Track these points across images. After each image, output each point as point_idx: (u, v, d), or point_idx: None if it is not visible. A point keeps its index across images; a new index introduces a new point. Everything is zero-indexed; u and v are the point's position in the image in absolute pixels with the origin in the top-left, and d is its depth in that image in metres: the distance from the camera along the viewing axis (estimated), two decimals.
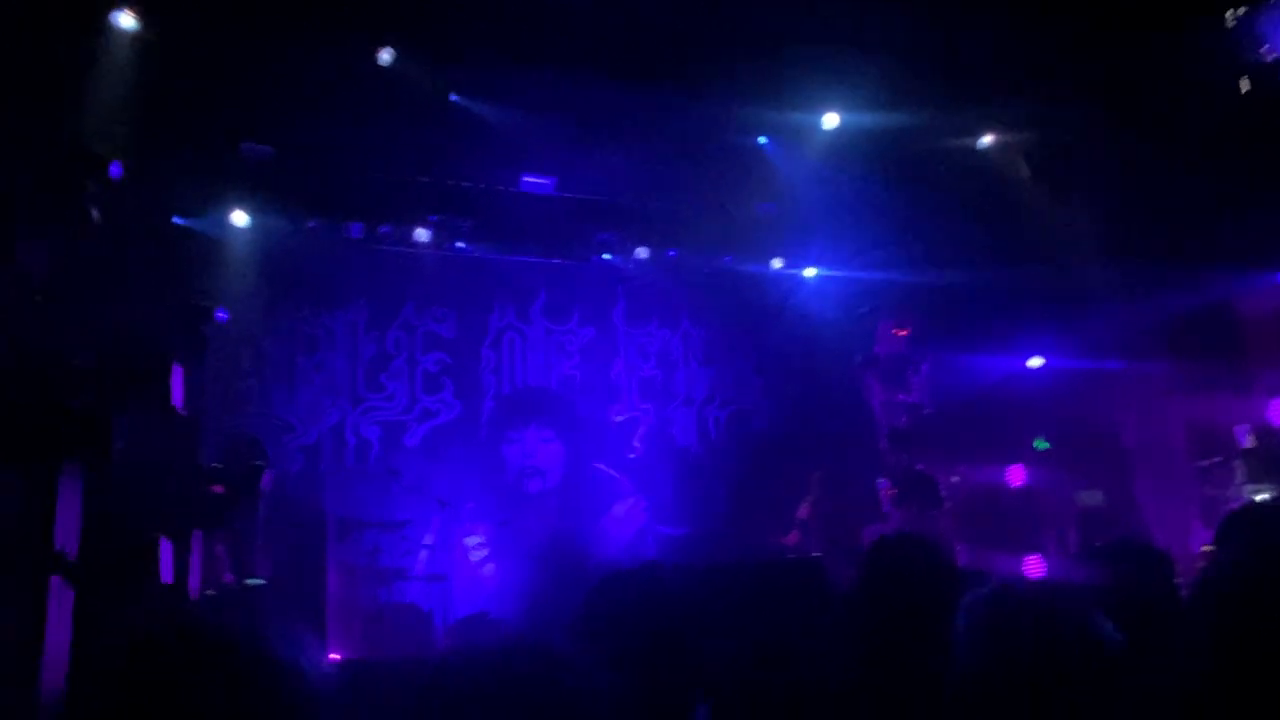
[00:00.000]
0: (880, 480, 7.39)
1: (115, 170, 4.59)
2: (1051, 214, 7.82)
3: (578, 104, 6.91)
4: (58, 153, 4.50)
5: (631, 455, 8.39)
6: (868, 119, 7.40)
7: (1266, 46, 6.69)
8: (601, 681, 1.11)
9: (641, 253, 8.51)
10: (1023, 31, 6.37)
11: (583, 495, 8.03)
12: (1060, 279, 7.85)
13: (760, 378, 8.97)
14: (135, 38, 5.99)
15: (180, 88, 6.15)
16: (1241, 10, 6.60)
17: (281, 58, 6.15)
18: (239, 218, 7.24)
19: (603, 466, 8.15)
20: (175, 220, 6.93)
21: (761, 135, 7.87)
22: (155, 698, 1.02)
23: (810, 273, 8.92)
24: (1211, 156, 6.92)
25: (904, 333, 8.10)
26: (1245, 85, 6.85)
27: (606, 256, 8.52)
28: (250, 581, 5.67)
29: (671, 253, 8.60)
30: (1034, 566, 7.25)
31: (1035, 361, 8.26)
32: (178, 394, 4.57)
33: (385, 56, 6.60)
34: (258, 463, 5.77)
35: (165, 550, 4.45)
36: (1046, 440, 8.06)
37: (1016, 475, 7.96)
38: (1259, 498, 6.41)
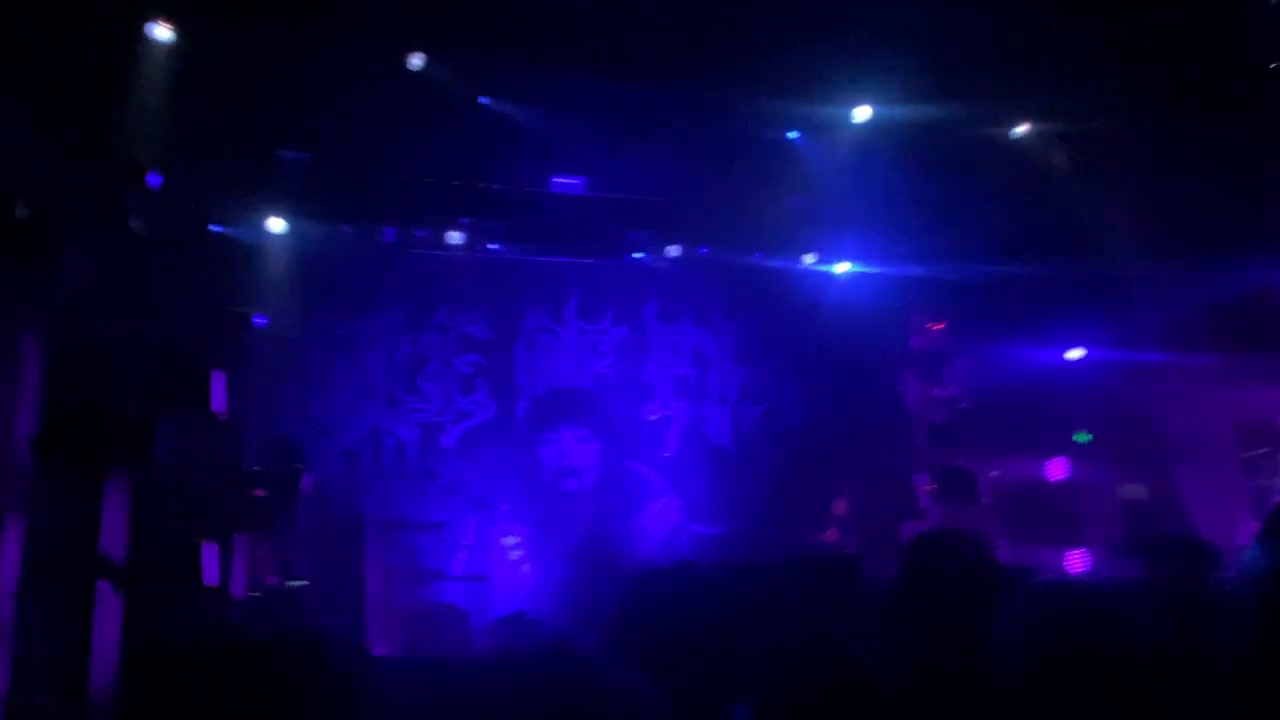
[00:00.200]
0: (918, 476, 7.32)
1: (154, 180, 4.67)
2: (1090, 202, 7.69)
3: (606, 103, 6.91)
4: (99, 164, 4.58)
5: (666, 454, 8.39)
6: (899, 111, 7.33)
7: None
8: (640, 683, 1.11)
9: (673, 251, 8.49)
10: (1057, 15, 6.28)
11: (618, 494, 8.04)
12: (1100, 268, 7.72)
13: (794, 375, 8.91)
14: (171, 49, 6.09)
15: (214, 97, 6.25)
16: None
17: (314, 66, 6.22)
18: (275, 224, 7.34)
19: (638, 466, 8.15)
20: (213, 228, 7.04)
21: (792, 130, 7.82)
22: (203, 701, 1.03)
23: (843, 268, 8.85)
24: (1256, 140, 6.77)
25: (940, 326, 8.01)
26: None
27: (638, 255, 8.51)
28: (292, 583, 5.75)
29: (703, 250, 8.57)
30: (1077, 562, 7.15)
31: (1075, 353, 8.13)
32: (218, 399, 4.64)
33: (416, 61, 6.66)
34: (297, 466, 5.85)
35: (209, 553, 4.52)
36: (1088, 433, 7.94)
37: (1058, 469, 7.85)
38: None
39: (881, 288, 8.61)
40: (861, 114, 7.50)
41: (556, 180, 7.85)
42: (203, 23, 6.06)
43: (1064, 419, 7.94)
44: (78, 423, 3.81)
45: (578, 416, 8.14)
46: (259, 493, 5.28)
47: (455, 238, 7.93)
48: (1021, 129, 7.84)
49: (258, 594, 5.36)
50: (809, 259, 8.80)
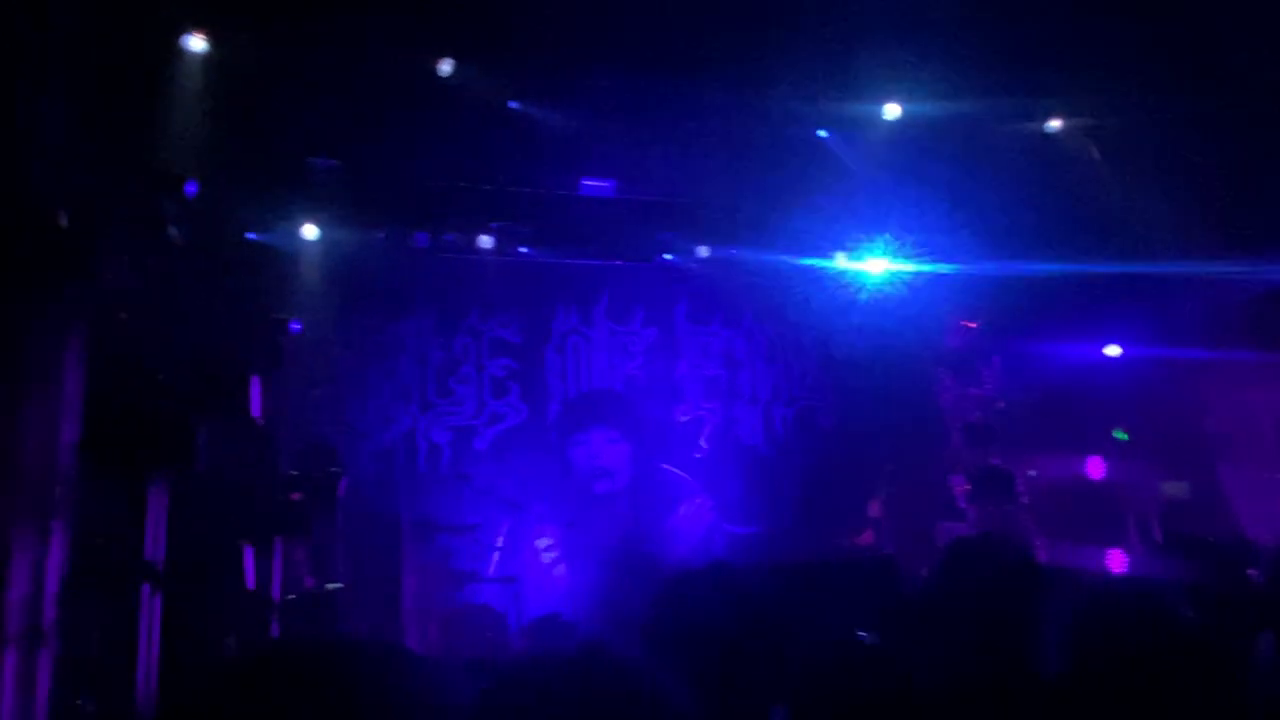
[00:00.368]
0: (954, 476, 7.25)
1: (191, 189, 4.74)
2: (1127, 197, 7.57)
3: (635, 105, 6.92)
4: (138, 173, 4.66)
5: (697, 455, 8.38)
6: (930, 107, 7.26)
7: None
8: (679, 689, 1.11)
9: (702, 251, 8.48)
10: (1089, 7, 6.19)
11: (650, 496, 8.04)
12: (1138, 264, 7.60)
13: (826, 374, 8.86)
14: (205, 59, 6.18)
15: (248, 107, 6.33)
16: None
17: (345, 74, 6.29)
18: (309, 231, 7.43)
19: (670, 467, 8.15)
20: (249, 236, 7.13)
21: (822, 128, 7.78)
22: (246, 708, 1.04)
23: (875, 266, 8.79)
24: None
25: (974, 325, 7.93)
26: None
27: (668, 256, 8.52)
28: (330, 586, 5.80)
29: (733, 251, 8.56)
30: (1117, 562, 7.04)
31: (1113, 350, 8.02)
32: (256, 404, 4.70)
33: (445, 67, 6.70)
34: (334, 469, 5.91)
35: (248, 557, 4.58)
36: (1126, 431, 7.82)
37: (1096, 468, 7.74)
38: None
39: (915, 286, 8.54)
40: (892, 111, 7.44)
41: (586, 183, 7.87)
42: (236, 33, 6.14)
43: (1102, 417, 7.83)
44: (120, 428, 3.88)
45: (609, 418, 8.15)
46: (296, 497, 5.34)
47: (486, 242, 7.99)
48: (1055, 124, 7.73)
49: (294, 597, 5.42)
50: (840, 258, 8.75)
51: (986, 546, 2.20)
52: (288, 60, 6.11)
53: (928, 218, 8.13)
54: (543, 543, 7.67)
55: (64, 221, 3.52)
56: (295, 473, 5.61)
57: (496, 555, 7.22)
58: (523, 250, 8.14)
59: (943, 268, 8.26)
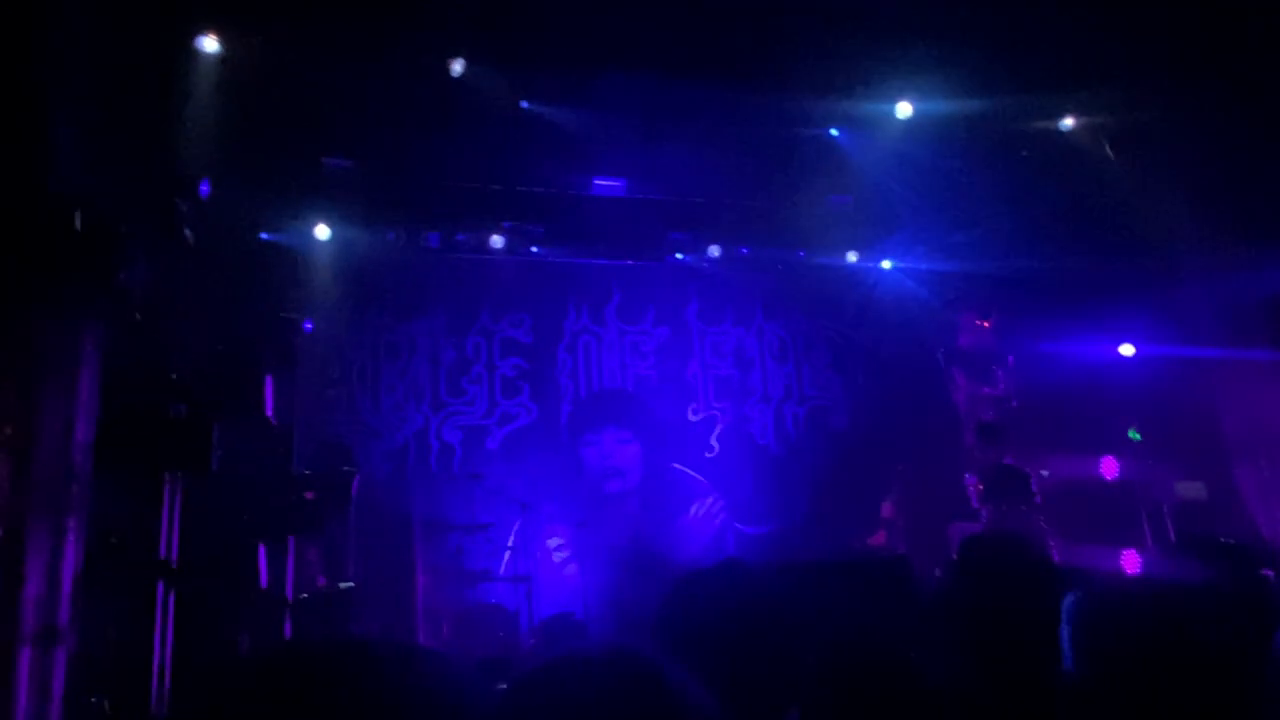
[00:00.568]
0: (968, 476, 7.22)
1: (204, 190, 4.76)
2: (1141, 196, 7.52)
3: (646, 105, 6.92)
4: (154, 174, 4.68)
5: (709, 455, 8.38)
6: (942, 105, 7.23)
7: None
8: (705, 693, 1.10)
9: (714, 251, 8.48)
10: (1102, 5, 6.15)
11: (662, 495, 8.04)
12: (1152, 263, 7.55)
13: (838, 374, 8.84)
14: (219, 61, 6.21)
15: (261, 108, 6.36)
16: None
17: (357, 75, 6.30)
18: (322, 231, 7.45)
19: (681, 466, 8.15)
20: (262, 236, 7.16)
21: (834, 127, 7.76)
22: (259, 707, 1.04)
23: (887, 265, 8.76)
24: None
25: (987, 324, 7.89)
26: None
27: (679, 256, 8.51)
28: (342, 584, 5.82)
29: (744, 250, 8.55)
30: (1130, 562, 7.00)
31: (1127, 349, 7.97)
32: (269, 404, 4.72)
33: (457, 68, 6.71)
34: (347, 469, 5.92)
35: (262, 555, 4.60)
36: (1140, 431, 7.77)
37: (1110, 467, 7.69)
38: None
39: (927, 285, 8.51)
40: (904, 110, 7.41)
41: (598, 182, 7.88)
42: (249, 35, 6.16)
43: (1116, 416, 7.79)
44: (134, 428, 3.90)
45: (620, 418, 8.16)
46: (309, 496, 5.35)
47: (497, 242, 8.00)
48: (1069, 122, 7.69)
49: (306, 596, 5.44)
50: (852, 256, 8.73)
51: (1000, 545, 2.19)
52: (300, 62, 6.13)
53: (940, 216, 8.11)
54: (554, 542, 7.68)
55: (79, 223, 3.54)
56: (308, 472, 5.63)
57: (508, 554, 7.23)
58: (534, 250, 8.15)
59: (955, 266, 8.23)
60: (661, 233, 8.37)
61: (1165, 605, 1.66)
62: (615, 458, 8.03)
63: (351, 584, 5.87)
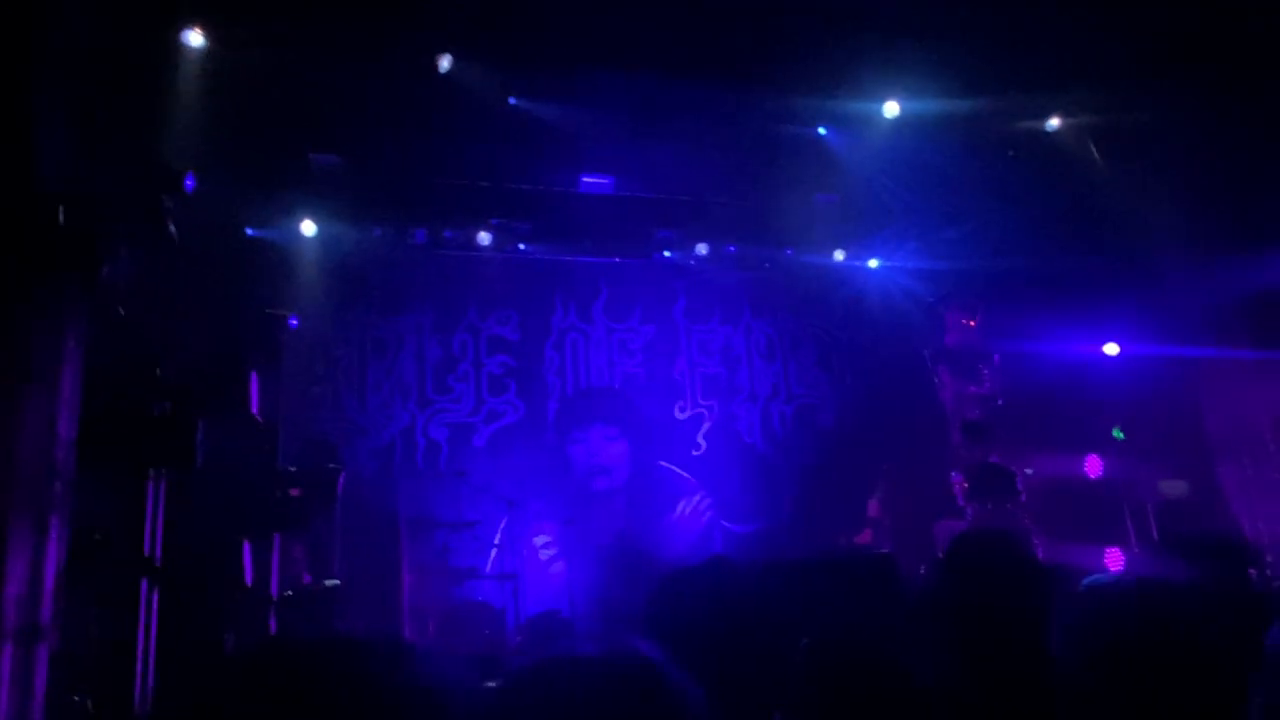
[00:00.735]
0: (953, 474, 7.26)
1: (190, 185, 4.73)
2: (1125, 196, 7.57)
3: (635, 103, 6.91)
4: (138, 169, 4.65)
5: (696, 453, 8.39)
6: (930, 105, 7.26)
7: None
8: (698, 692, 1.10)
9: (701, 249, 8.49)
10: (1088, 5, 6.18)
11: (649, 493, 8.05)
12: (1137, 263, 7.60)
13: (825, 372, 8.87)
14: (204, 55, 6.17)
15: (248, 103, 6.32)
16: None
17: (344, 70, 6.27)
18: (308, 227, 7.42)
19: (668, 464, 8.15)
20: (248, 232, 7.12)
21: (821, 125, 7.77)
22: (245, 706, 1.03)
23: (874, 264, 8.79)
24: None
25: (973, 323, 7.93)
26: None
27: (667, 254, 8.52)
28: (328, 582, 5.80)
29: (731, 248, 8.56)
30: (1114, 560, 7.05)
31: (1111, 348, 8.02)
32: (255, 400, 4.69)
33: (444, 64, 6.68)
34: (333, 466, 5.90)
35: (247, 553, 4.57)
36: (1124, 429, 7.82)
37: (1094, 466, 7.75)
38: None
39: (914, 284, 8.55)
40: (891, 109, 7.43)
41: (585, 179, 7.87)
42: (235, 29, 6.12)
43: (1101, 415, 7.84)
44: (118, 425, 3.87)
45: (607, 415, 8.16)
46: (295, 493, 5.33)
47: (485, 238, 7.99)
48: (1055, 122, 7.73)
49: (292, 593, 5.42)
50: (839, 255, 8.75)
51: (986, 543, 2.20)
52: (287, 56, 6.10)
53: (926, 215, 8.14)
54: (540, 540, 7.68)
55: (63, 218, 3.51)
56: (294, 469, 5.60)
57: (494, 552, 7.22)
58: (521, 247, 8.14)
59: (942, 265, 8.26)
60: (649, 230, 8.37)
61: (1153, 604, 1.67)
62: (602, 455, 8.04)
63: (337, 581, 5.85)
